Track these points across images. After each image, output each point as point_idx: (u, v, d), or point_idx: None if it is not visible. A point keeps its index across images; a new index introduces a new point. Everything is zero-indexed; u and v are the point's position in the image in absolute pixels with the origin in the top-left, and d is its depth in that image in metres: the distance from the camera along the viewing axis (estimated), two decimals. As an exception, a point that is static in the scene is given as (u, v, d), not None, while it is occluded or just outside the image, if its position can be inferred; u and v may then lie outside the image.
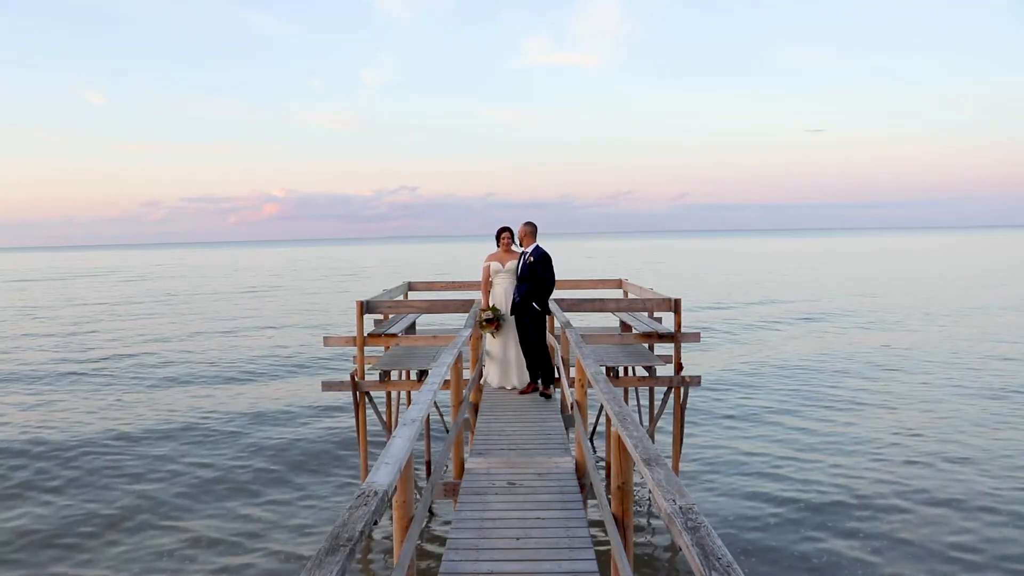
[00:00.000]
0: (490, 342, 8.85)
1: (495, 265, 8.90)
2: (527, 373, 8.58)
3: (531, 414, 7.63)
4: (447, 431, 9.73)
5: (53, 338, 25.64)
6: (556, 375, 8.33)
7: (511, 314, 8.58)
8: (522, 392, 8.51)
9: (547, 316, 8.51)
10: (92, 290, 51.49)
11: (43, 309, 37.21)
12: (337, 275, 64.26)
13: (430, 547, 7.79)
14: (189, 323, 29.85)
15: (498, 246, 8.94)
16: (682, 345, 8.78)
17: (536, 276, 8.23)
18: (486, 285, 9.00)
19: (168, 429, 12.85)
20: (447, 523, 7.61)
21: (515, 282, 8.60)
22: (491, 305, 8.77)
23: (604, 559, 5.64)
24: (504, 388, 8.71)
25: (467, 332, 7.29)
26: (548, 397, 8.27)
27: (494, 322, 8.59)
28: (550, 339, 9.00)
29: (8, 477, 10.48)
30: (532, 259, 8.29)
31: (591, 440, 10.19)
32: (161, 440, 12.16)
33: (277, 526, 8.65)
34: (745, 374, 17.11)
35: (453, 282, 13.21)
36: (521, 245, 8.59)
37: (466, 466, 5.98)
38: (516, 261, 8.66)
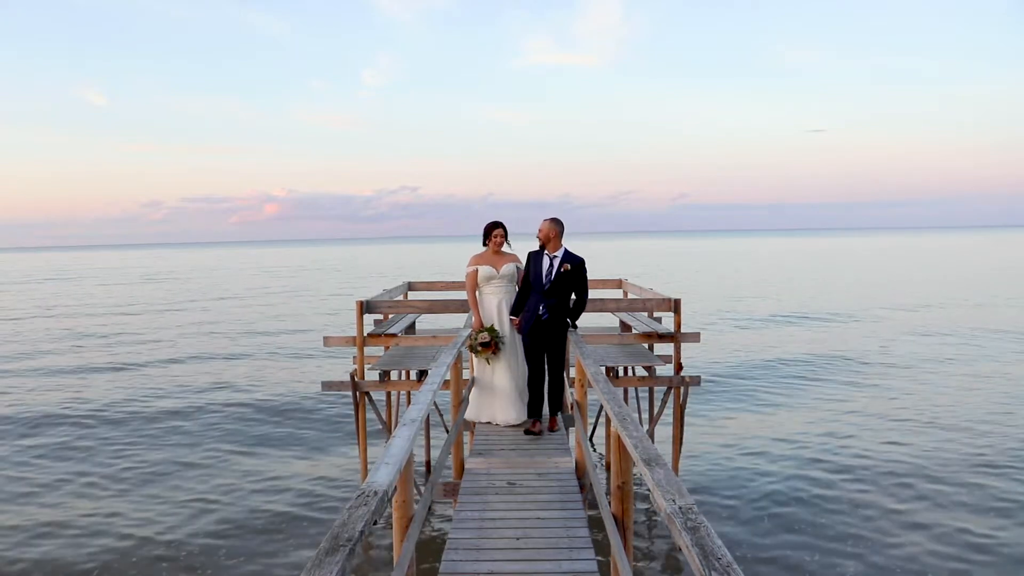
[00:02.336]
0: (479, 367, 7.23)
1: (486, 270, 7.17)
2: (524, 407, 7.10)
3: (531, 414, 7.62)
4: (447, 431, 9.70)
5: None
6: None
7: (525, 334, 6.90)
8: (527, 431, 6.87)
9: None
10: (103, 290, 51.50)
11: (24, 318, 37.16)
12: (352, 275, 64.24)
13: (430, 547, 7.78)
14: (188, 324, 29.85)
15: (486, 245, 7.29)
16: (682, 345, 8.78)
17: (576, 288, 6.92)
18: (474, 295, 7.24)
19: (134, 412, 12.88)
20: (447, 522, 7.61)
21: (513, 292, 7.22)
22: (489, 326, 7.14)
23: (604, 559, 5.65)
24: (491, 424, 7.16)
25: (467, 332, 7.28)
26: (554, 430, 6.99)
27: (491, 345, 6.95)
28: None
29: None
30: (568, 267, 6.76)
31: (592, 435, 10.27)
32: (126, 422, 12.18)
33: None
34: (745, 374, 17.10)
35: (453, 282, 13.20)
36: (545, 248, 6.83)
37: (466, 466, 5.98)
38: (512, 265, 7.28)
